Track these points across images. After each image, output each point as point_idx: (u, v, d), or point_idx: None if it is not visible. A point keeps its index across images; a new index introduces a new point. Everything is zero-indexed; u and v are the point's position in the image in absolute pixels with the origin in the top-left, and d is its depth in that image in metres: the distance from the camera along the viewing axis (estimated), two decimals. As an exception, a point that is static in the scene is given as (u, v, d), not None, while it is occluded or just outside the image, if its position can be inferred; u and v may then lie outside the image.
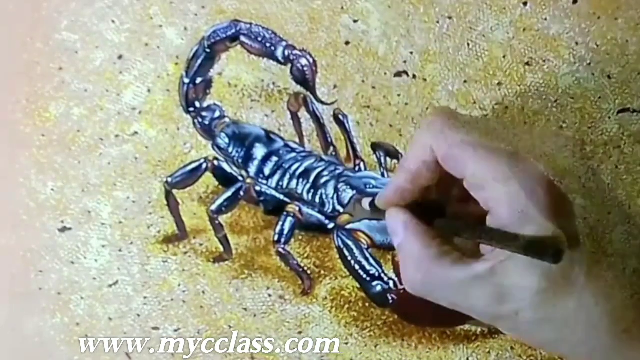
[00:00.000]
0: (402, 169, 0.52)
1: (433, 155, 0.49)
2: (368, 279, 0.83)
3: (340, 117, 0.96)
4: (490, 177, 0.47)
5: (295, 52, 0.91)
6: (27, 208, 0.95)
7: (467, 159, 0.48)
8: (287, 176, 0.92)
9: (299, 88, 0.94)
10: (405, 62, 1.04)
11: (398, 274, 0.81)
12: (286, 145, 0.95)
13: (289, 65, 0.92)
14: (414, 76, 1.03)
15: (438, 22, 1.06)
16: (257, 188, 0.90)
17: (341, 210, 0.89)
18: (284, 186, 0.92)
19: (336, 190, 0.90)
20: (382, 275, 0.83)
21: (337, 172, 0.92)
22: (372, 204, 0.57)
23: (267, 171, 0.93)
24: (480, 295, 0.47)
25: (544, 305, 0.46)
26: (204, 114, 0.97)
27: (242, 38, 0.92)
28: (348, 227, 0.87)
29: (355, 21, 1.06)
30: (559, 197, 0.48)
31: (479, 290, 0.47)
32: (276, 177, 0.93)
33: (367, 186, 0.90)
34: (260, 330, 0.87)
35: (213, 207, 0.88)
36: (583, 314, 0.47)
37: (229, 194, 0.89)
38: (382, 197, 0.53)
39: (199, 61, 0.94)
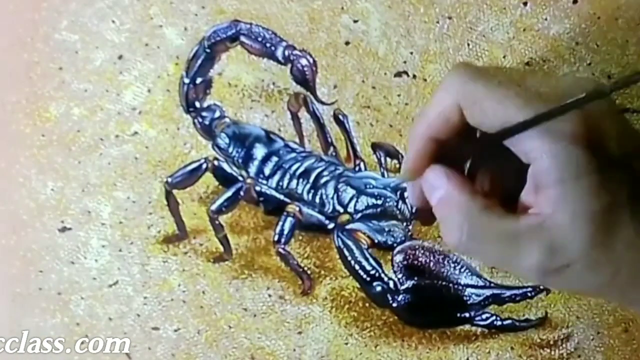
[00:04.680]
0: (422, 130, 0.49)
1: (456, 110, 0.47)
2: (368, 279, 0.83)
3: (340, 117, 0.96)
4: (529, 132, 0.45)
5: (295, 52, 0.91)
6: (27, 208, 0.95)
7: (500, 110, 0.46)
8: (287, 176, 0.92)
9: (299, 88, 0.94)
10: (405, 62, 1.04)
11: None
12: (286, 146, 0.95)
13: (289, 65, 0.92)
14: (414, 76, 1.03)
15: (438, 22, 1.06)
16: (257, 188, 0.90)
17: (341, 210, 0.89)
18: (284, 186, 0.92)
19: (336, 190, 0.90)
20: (382, 275, 0.83)
21: (337, 172, 0.92)
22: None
23: (267, 171, 0.93)
24: (531, 251, 0.45)
25: (594, 253, 0.45)
26: (204, 114, 0.97)
27: (242, 38, 0.92)
28: (348, 227, 0.87)
29: (355, 21, 1.06)
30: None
31: (530, 245, 0.45)
32: (276, 177, 0.93)
33: (367, 186, 0.90)
34: (260, 330, 0.87)
35: (213, 207, 0.88)
36: (630, 254, 0.45)
37: (229, 194, 0.89)
38: (408, 166, 0.50)
39: (199, 61, 0.94)
